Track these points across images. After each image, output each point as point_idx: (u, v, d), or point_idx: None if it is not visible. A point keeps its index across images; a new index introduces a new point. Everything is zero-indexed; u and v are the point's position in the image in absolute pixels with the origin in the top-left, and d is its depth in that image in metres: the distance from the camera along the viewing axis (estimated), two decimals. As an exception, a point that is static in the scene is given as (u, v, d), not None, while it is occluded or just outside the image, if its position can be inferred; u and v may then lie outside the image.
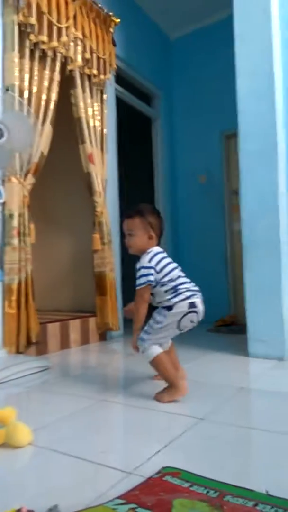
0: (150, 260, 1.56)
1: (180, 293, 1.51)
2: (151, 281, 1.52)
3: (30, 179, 2.36)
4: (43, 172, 2.50)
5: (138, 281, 1.54)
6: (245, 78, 2.35)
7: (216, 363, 2.19)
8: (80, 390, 1.66)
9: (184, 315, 1.51)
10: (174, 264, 1.60)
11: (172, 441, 1.12)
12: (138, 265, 1.57)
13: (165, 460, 0.98)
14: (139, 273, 1.55)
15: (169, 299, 1.51)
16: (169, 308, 1.51)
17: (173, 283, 1.53)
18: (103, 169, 2.97)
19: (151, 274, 1.53)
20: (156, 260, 1.56)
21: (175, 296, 1.51)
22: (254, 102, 2.31)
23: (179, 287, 1.52)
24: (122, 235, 1.74)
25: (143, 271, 1.54)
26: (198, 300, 1.53)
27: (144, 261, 1.56)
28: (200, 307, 1.53)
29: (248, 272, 2.30)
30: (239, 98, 2.36)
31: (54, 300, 3.32)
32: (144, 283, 1.52)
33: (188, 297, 1.50)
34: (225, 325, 3.45)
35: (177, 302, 1.50)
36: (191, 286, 1.55)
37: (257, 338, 2.23)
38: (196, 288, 1.56)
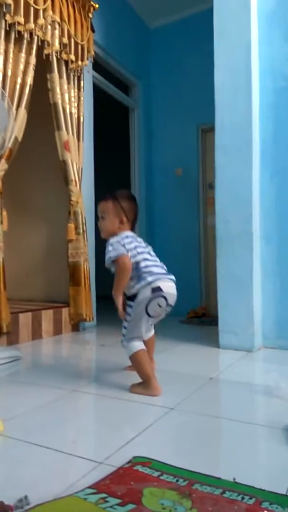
0: (119, 240, 1.52)
1: (143, 279, 1.46)
2: (124, 252, 1.48)
3: (3, 165, 2.30)
4: (17, 159, 2.44)
5: (108, 256, 1.49)
6: (223, 72, 2.36)
7: (188, 354, 2.23)
8: (51, 380, 1.65)
9: (150, 300, 1.46)
10: (142, 249, 1.54)
11: (143, 430, 1.13)
12: (107, 244, 1.53)
13: (135, 450, 0.99)
14: (107, 249, 1.51)
15: (133, 285, 1.48)
16: (135, 296, 1.48)
17: (137, 268, 1.49)
18: (79, 158, 2.92)
19: (122, 249, 1.48)
20: (126, 241, 1.52)
21: (137, 282, 1.47)
22: (230, 96, 2.33)
23: (143, 270, 1.48)
24: (97, 223, 1.71)
25: (111, 247, 1.50)
26: (165, 283, 1.47)
27: (114, 240, 1.53)
28: (168, 290, 1.47)
29: (220, 264, 2.34)
30: (216, 92, 2.37)
31: (27, 290, 3.26)
32: (114, 255, 1.47)
33: (150, 282, 1.45)
34: (197, 317, 3.51)
35: (140, 288, 1.46)
36: (157, 269, 1.50)
37: (228, 330, 2.28)
38: (164, 271, 1.51)
